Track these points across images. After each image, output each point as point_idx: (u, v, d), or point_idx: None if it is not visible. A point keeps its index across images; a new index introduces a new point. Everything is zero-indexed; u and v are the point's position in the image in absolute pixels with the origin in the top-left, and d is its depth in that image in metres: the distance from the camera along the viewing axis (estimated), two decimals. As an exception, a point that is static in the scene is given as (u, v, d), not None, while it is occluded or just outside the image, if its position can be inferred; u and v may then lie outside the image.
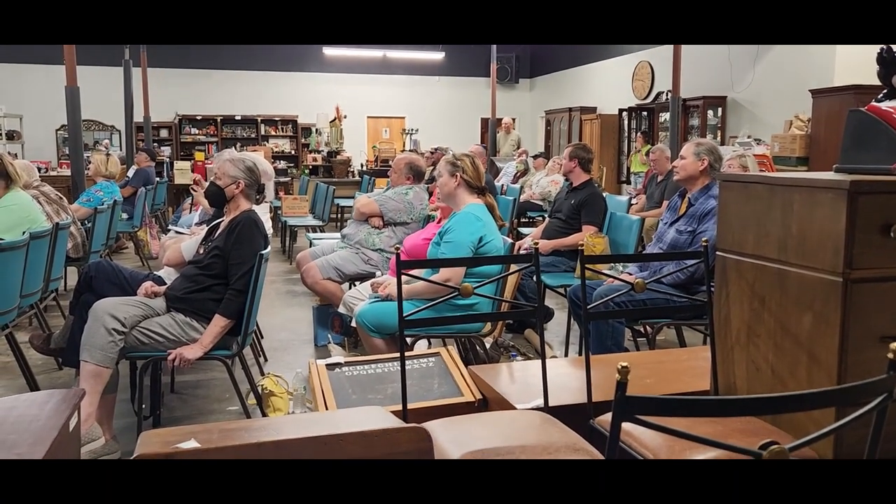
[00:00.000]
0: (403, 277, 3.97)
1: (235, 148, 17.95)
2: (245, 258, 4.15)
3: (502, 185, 12.41)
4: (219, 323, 4.11)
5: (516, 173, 13.87)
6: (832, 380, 2.65)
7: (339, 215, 14.46)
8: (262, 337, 6.44)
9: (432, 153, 13.60)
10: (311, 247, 7.10)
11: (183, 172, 14.62)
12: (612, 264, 5.31)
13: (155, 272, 4.96)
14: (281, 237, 12.26)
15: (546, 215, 8.32)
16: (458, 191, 4.76)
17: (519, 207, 10.94)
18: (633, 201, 9.91)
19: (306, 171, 16.32)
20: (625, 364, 1.57)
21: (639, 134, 15.69)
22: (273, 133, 20.83)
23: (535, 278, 4.58)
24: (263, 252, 4.14)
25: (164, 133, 20.23)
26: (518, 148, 16.47)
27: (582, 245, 3.38)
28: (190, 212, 8.41)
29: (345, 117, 17.36)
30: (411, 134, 18.23)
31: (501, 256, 4.09)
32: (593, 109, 18.86)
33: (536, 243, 3.33)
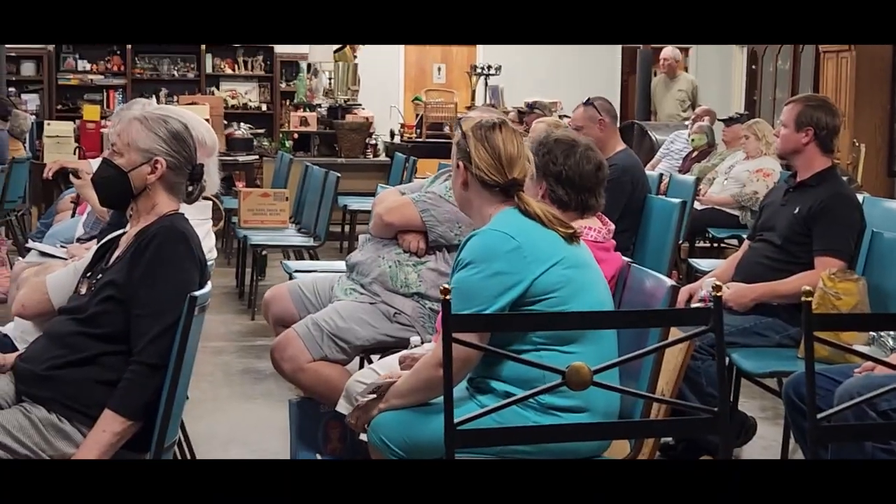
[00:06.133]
0: (459, 350, 2.36)
1: (157, 98, 11.80)
2: (162, 305, 3.06)
3: (660, 175, 7.71)
4: (110, 426, 2.96)
5: (690, 153, 8.96)
6: None
7: (349, 228, 9.04)
8: (193, 457, 4.20)
9: (524, 113, 8.71)
10: (290, 284, 4.49)
11: (60, 143, 9.24)
12: (874, 333, 3.67)
13: (-2, 328, 3.60)
14: (237, 266, 7.71)
15: (745, 236, 5.24)
16: (470, 194, 3.03)
17: (693, 220, 6.96)
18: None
19: (287, 144, 10.96)
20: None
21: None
22: (229, 71, 13.29)
23: (716, 358, 2.79)
24: (198, 294, 2.95)
25: (27, 68, 12.56)
26: (692, 105, 10.73)
27: (811, 295, 2.30)
28: (73, 216, 5.70)
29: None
30: (487, 77, 11.08)
31: (629, 314, 2.93)
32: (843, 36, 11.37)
33: (720, 288, 2.37)
